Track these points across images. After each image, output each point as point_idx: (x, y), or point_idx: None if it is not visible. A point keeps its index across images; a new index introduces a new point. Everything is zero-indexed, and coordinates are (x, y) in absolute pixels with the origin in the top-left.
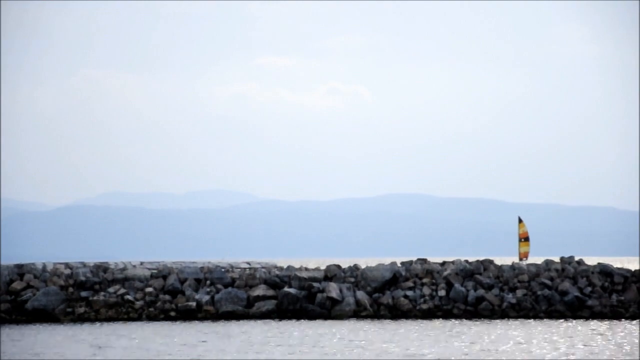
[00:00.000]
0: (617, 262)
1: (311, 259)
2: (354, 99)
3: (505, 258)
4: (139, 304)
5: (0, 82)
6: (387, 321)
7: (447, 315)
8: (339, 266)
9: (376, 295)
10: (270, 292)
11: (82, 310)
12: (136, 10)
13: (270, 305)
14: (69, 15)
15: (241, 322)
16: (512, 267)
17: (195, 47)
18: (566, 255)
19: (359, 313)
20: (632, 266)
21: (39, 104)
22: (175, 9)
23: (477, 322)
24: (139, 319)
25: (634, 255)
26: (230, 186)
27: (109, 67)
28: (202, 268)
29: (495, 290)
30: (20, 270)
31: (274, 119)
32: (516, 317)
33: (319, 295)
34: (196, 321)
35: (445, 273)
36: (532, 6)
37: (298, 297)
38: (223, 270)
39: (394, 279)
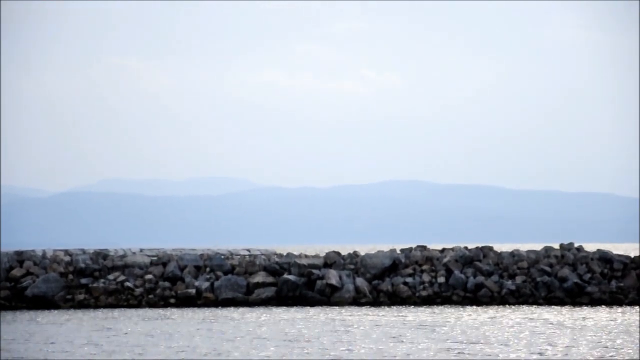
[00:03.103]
0: (617, 248)
1: (311, 246)
2: (355, 87)
3: (504, 245)
4: (138, 291)
5: (0, 68)
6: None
7: (447, 301)
8: (338, 253)
9: (376, 282)
10: (270, 279)
11: (81, 297)
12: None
13: (269, 292)
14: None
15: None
16: (512, 254)
17: (212, 35)
18: (566, 242)
19: (358, 300)
20: (632, 252)
21: (41, 89)
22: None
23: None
24: (138, 305)
25: (634, 241)
26: (230, 173)
27: (116, 52)
28: (201, 255)
29: (495, 277)
30: (20, 257)
31: (275, 105)
32: (515, 304)
33: (319, 282)
34: (195, 308)
35: (445, 260)
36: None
37: (298, 284)
38: (223, 257)
39: (394, 266)
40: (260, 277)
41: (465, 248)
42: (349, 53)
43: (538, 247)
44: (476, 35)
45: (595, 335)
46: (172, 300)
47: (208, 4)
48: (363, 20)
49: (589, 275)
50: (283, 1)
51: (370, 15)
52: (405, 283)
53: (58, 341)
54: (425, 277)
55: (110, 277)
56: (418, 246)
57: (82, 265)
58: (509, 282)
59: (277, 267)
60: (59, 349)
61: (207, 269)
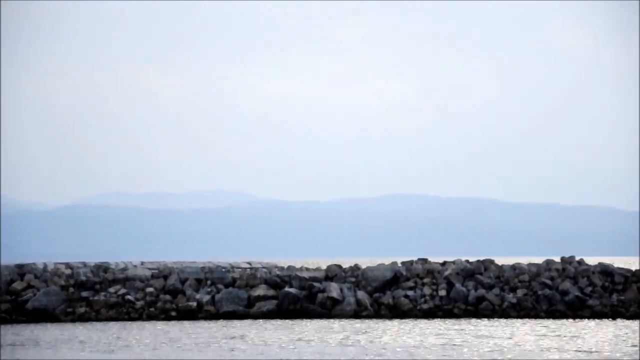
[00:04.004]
0: (617, 262)
1: (312, 259)
2: (356, 100)
3: (505, 258)
4: (139, 304)
5: (0, 79)
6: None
7: (448, 315)
8: (339, 266)
9: (377, 295)
10: (271, 292)
11: (82, 310)
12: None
13: (270, 305)
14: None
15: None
16: (513, 267)
17: (216, 45)
18: (566, 255)
19: (359, 313)
20: (632, 266)
21: (41, 101)
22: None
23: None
24: (139, 319)
25: (634, 255)
26: (231, 186)
27: (118, 61)
28: (202, 268)
29: (496, 290)
30: (21, 270)
31: (276, 118)
32: (517, 317)
33: (320, 295)
34: (196, 321)
35: (446, 273)
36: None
37: (299, 297)
38: (224, 270)
39: (395, 278)
40: (261, 290)
41: (467, 261)
42: (352, 64)
43: (539, 260)
44: (477, 50)
45: None
46: (173, 314)
47: (213, 14)
48: (369, 28)
49: (590, 288)
50: (290, 9)
51: (375, 23)
52: (406, 296)
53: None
54: (427, 290)
55: (111, 290)
56: (419, 259)
57: (83, 278)
58: (510, 295)
59: (278, 280)
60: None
61: (208, 282)
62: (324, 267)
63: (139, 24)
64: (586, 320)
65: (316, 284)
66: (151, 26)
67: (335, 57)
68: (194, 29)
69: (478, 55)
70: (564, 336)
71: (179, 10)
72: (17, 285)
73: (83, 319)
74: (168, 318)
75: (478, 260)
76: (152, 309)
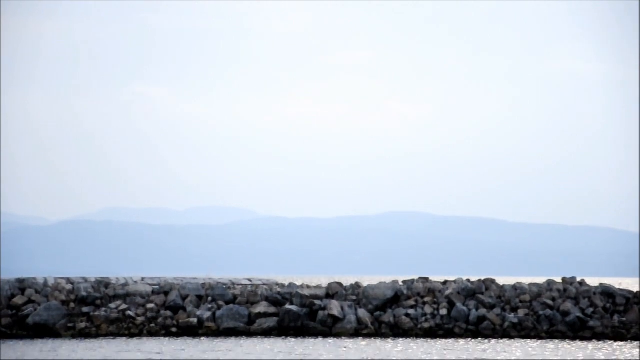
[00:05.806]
0: (616, 283)
1: (313, 277)
2: (356, 119)
3: (506, 278)
4: (140, 319)
5: (1, 91)
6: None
7: (449, 334)
8: (340, 284)
9: (378, 313)
10: (272, 309)
11: (83, 325)
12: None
13: (271, 322)
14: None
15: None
16: (514, 287)
17: (224, 63)
18: (568, 276)
19: (360, 331)
20: (632, 287)
21: (41, 117)
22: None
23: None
24: (140, 334)
25: (634, 276)
26: (231, 203)
27: (121, 81)
28: (203, 284)
29: (497, 310)
30: (22, 285)
31: (277, 136)
32: (518, 337)
33: (321, 313)
34: (198, 337)
35: (447, 292)
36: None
37: (299, 315)
38: (224, 287)
39: (396, 297)
40: (262, 307)
41: (468, 280)
42: (355, 84)
43: (540, 280)
44: (480, 71)
45: None
46: (174, 330)
47: (222, 33)
48: (370, 50)
49: (591, 309)
50: (297, 30)
51: (379, 47)
52: (407, 315)
53: None
54: (428, 309)
55: (112, 305)
56: (420, 278)
57: (84, 293)
58: (512, 315)
59: (279, 297)
60: None
61: (209, 299)
62: (324, 284)
63: (145, 48)
64: None
65: (317, 302)
66: (156, 49)
67: (336, 78)
68: (198, 50)
69: (481, 82)
70: None
71: (185, 26)
72: (18, 300)
73: (83, 334)
74: (169, 334)
75: (479, 280)
76: (152, 325)
